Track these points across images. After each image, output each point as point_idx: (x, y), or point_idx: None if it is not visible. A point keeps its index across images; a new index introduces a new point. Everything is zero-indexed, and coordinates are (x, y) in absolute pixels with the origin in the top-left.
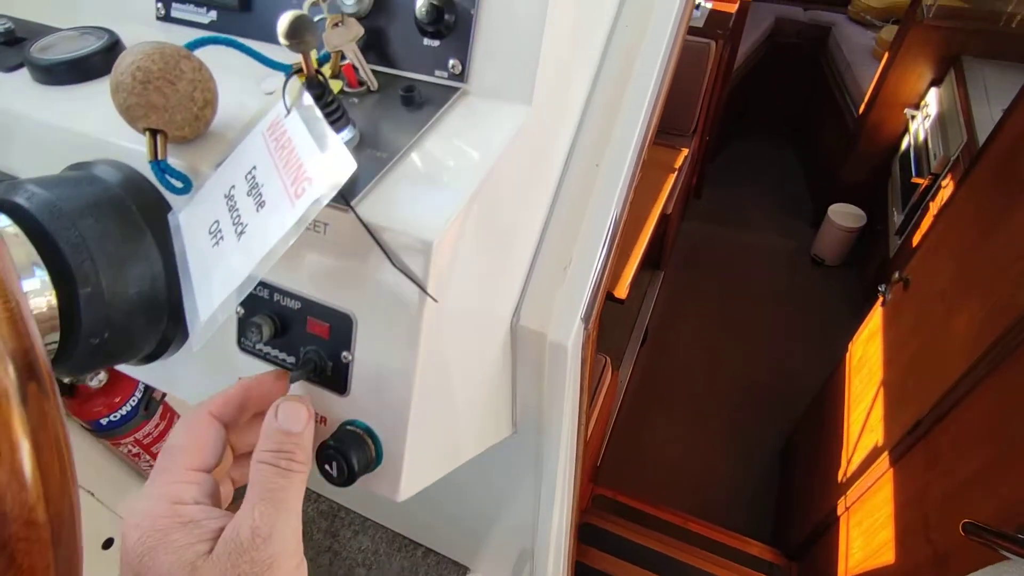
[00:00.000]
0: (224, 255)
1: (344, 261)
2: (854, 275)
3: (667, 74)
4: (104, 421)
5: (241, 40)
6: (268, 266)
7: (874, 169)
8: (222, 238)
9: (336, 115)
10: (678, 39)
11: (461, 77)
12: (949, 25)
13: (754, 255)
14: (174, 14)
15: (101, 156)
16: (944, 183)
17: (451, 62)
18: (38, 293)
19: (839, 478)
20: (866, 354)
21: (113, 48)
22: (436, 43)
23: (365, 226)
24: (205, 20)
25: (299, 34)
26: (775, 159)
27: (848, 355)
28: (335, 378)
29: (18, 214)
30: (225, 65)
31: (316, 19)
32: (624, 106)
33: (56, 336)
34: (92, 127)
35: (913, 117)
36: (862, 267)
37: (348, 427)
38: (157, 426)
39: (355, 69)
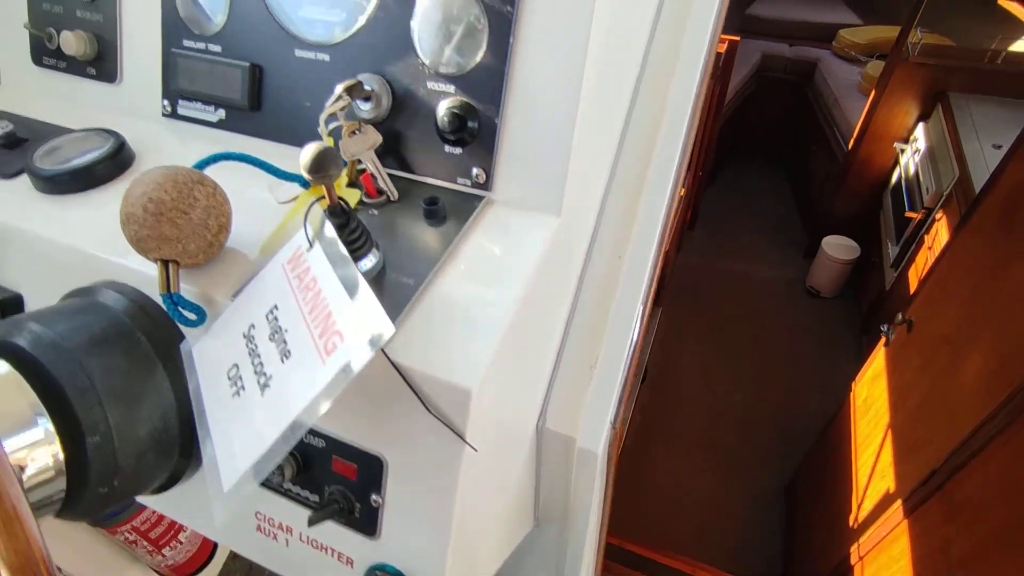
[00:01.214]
0: (246, 410)
1: (374, 401)
2: (850, 306)
3: (685, 158)
4: None
5: (252, 139)
6: (297, 438)
7: (865, 201)
8: (243, 388)
9: (360, 242)
10: (695, 124)
11: (485, 186)
12: (934, 62)
13: (751, 287)
14: (181, 111)
15: (106, 276)
16: (938, 217)
17: (475, 171)
18: (41, 444)
19: (850, 523)
20: (871, 395)
21: (119, 152)
22: (458, 150)
23: (399, 372)
24: (213, 118)
25: (323, 168)
26: (766, 190)
27: (852, 395)
28: (364, 520)
29: (19, 356)
30: (234, 170)
31: (331, 127)
32: (646, 195)
33: (62, 486)
34: (97, 245)
35: (902, 151)
36: (858, 299)
37: (378, 572)
38: (154, 513)
39: (374, 178)
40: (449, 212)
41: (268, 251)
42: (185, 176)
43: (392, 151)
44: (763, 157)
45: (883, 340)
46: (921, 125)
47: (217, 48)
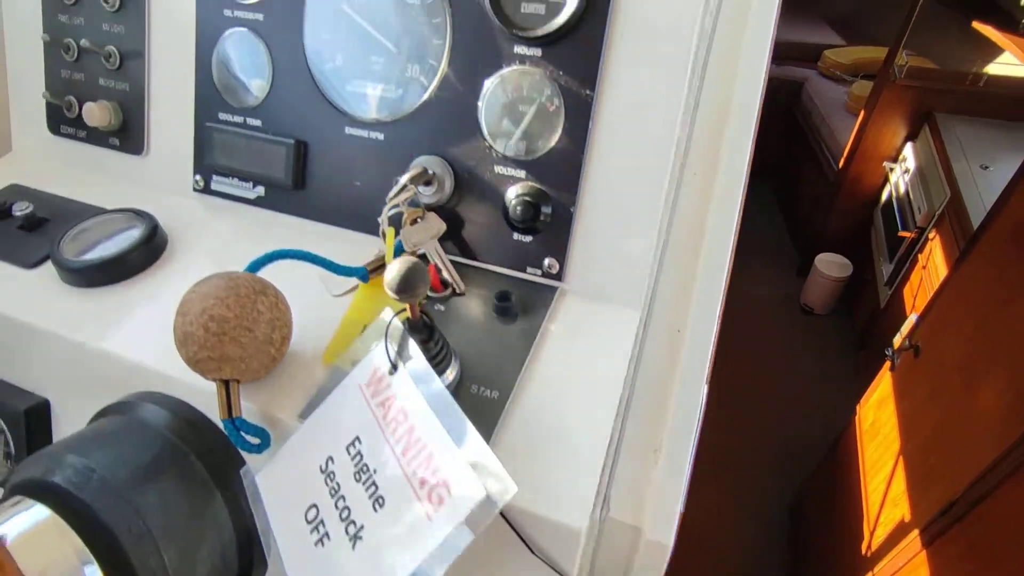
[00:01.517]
0: (334, 563)
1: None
2: (844, 323)
3: (739, 216)
4: None
5: (293, 218)
6: None
7: (856, 220)
8: (328, 536)
9: (441, 355)
10: (744, 187)
11: (558, 276)
12: (920, 84)
13: (745, 305)
14: (215, 187)
15: (144, 383)
16: (931, 236)
17: (547, 261)
18: None
19: (863, 550)
20: (879, 420)
21: (152, 238)
22: (528, 238)
23: (506, 519)
24: (251, 195)
25: (413, 288)
26: (757, 209)
27: (858, 418)
28: None
29: (61, 499)
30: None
31: (390, 212)
32: (703, 268)
33: None
34: (134, 350)
35: (892, 170)
36: (852, 316)
37: None
38: None
39: (438, 270)
40: (523, 309)
41: (333, 357)
42: (247, 287)
43: (453, 236)
44: (752, 176)
45: (888, 364)
46: (909, 145)
47: (257, 122)
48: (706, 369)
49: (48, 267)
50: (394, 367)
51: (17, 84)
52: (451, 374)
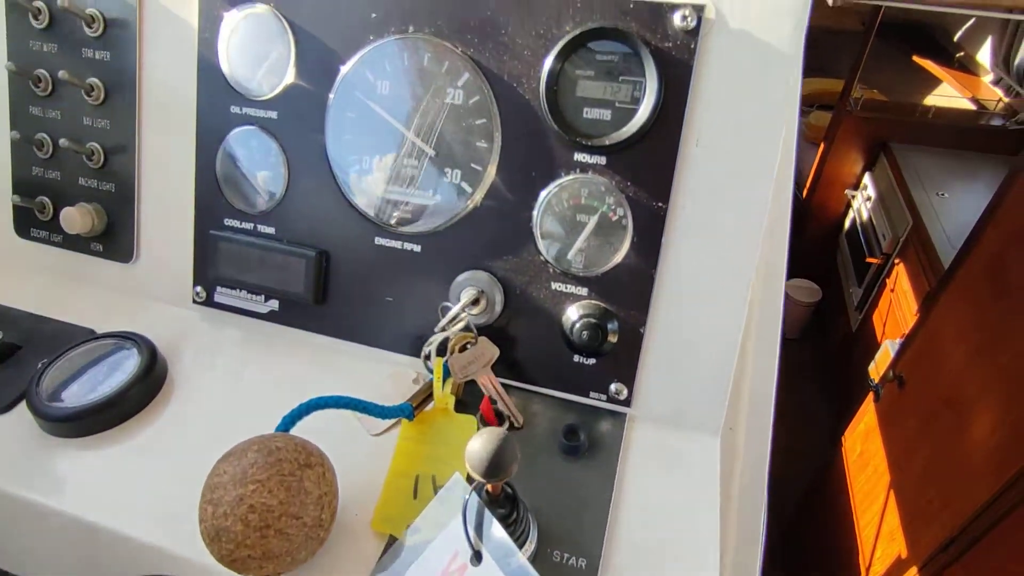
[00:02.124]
0: None
1: None
2: (816, 348)
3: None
4: None
5: (311, 334)
6: None
7: (822, 246)
8: None
9: (521, 528)
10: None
11: (626, 402)
12: (876, 116)
13: None
14: (219, 299)
15: (151, 565)
16: (897, 262)
17: (613, 386)
18: None
19: None
20: (867, 451)
21: (151, 370)
22: (591, 361)
23: None
24: (262, 309)
25: (504, 469)
26: None
27: (844, 449)
28: None
29: None
30: (299, 383)
31: (438, 339)
32: (753, 358)
33: None
34: (137, 524)
35: (853, 197)
36: (825, 340)
37: None
38: None
39: (493, 402)
40: (592, 445)
41: (385, 524)
42: (290, 460)
43: (503, 358)
44: None
45: (872, 395)
46: (868, 174)
47: (269, 229)
48: (766, 476)
49: (22, 411)
50: (477, 555)
51: None
52: (531, 544)
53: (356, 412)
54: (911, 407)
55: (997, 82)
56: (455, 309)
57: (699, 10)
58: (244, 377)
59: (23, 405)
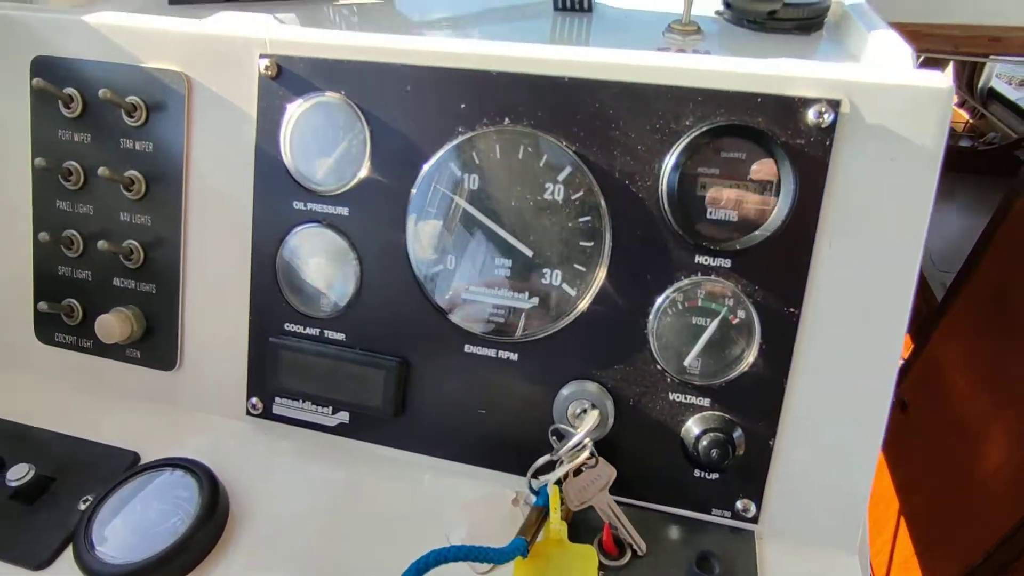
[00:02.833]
0: None
1: None
2: None
3: None
4: None
5: (385, 448)
6: None
7: None
8: None
9: None
10: None
11: (753, 519)
12: None
13: None
14: (278, 411)
15: None
16: None
17: (740, 503)
18: None
19: None
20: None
21: (213, 509)
22: (713, 476)
23: None
24: (330, 423)
25: None
26: None
27: None
28: None
29: None
30: (385, 520)
31: (545, 461)
32: None
33: None
34: None
35: None
36: None
37: None
38: None
39: (613, 528)
40: (725, 573)
41: None
42: None
43: (617, 476)
44: None
45: None
46: None
47: (338, 335)
48: None
49: (67, 562)
50: None
51: None
52: None
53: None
54: (916, 431)
55: (961, 104)
56: (578, 436)
57: (835, 105)
58: (319, 506)
59: (67, 555)
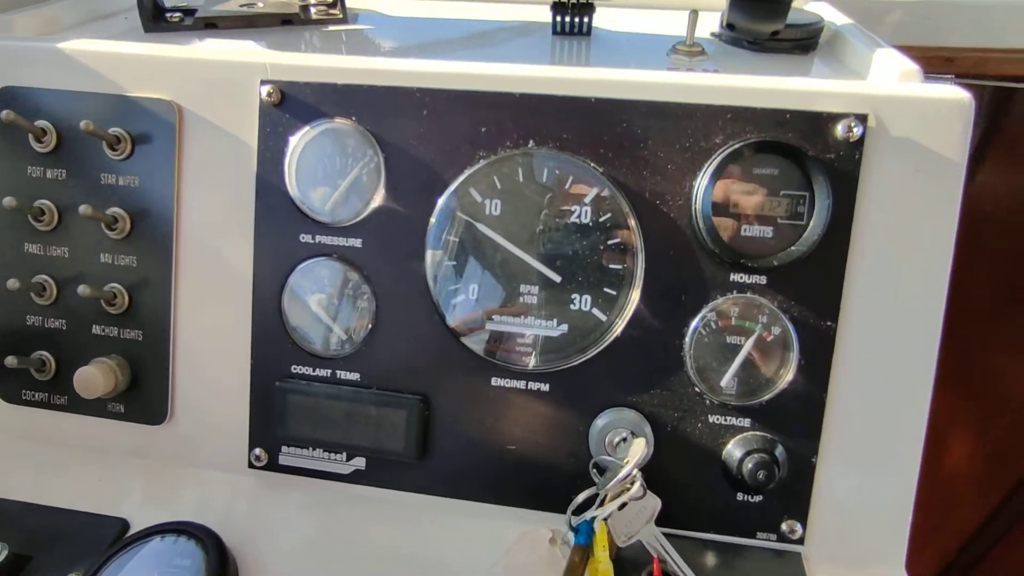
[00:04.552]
0: None
1: None
2: None
3: None
4: None
5: (404, 493)
6: None
7: None
8: None
9: None
10: None
11: (800, 540)
12: None
13: None
14: (285, 461)
15: None
16: None
17: (785, 524)
18: None
19: None
20: None
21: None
22: (756, 498)
23: None
24: (344, 470)
25: None
26: None
27: None
28: None
29: None
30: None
31: (584, 496)
32: None
33: None
34: None
35: None
36: None
37: None
38: None
39: (662, 563)
40: None
41: None
42: None
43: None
44: None
45: None
46: None
47: (351, 375)
48: None
49: None
50: None
51: None
52: None
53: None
54: None
55: None
56: (628, 468)
57: (863, 119)
58: (339, 565)
59: None
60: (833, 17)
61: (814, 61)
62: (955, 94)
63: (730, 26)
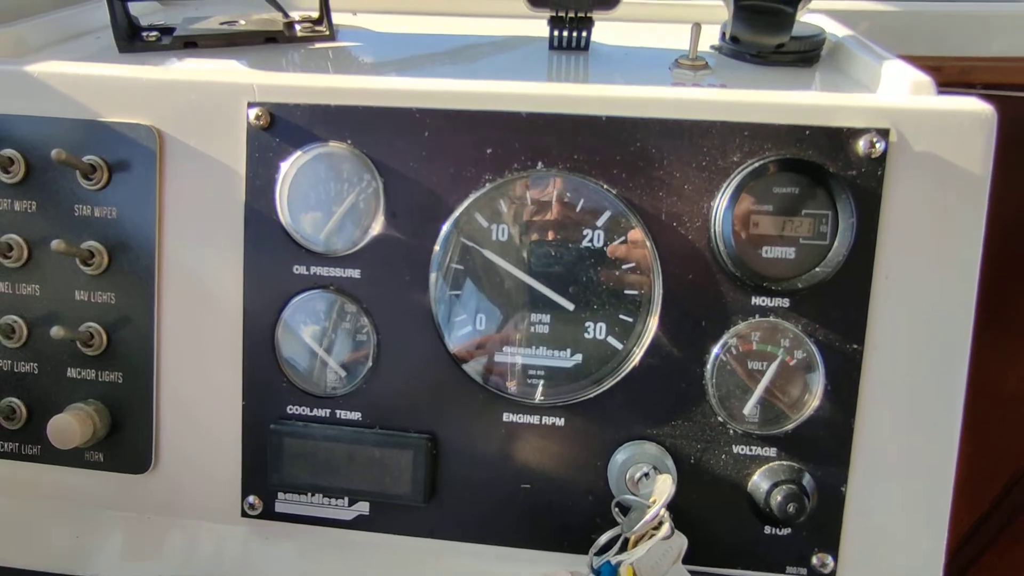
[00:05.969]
0: None
1: None
2: None
3: None
4: None
5: (409, 539)
6: None
7: None
8: None
9: None
10: None
11: (831, 574)
12: None
13: None
14: (282, 509)
15: None
16: None
17: (815, 558)
18: None
19: None
20: None
21: None
22: (784, 531)
23: None
24: (346, 516)
25: None
26: None
27: None
28: None
29: None
30: None
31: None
32: None
33: None
34: None
35: None
36: None
37: None
38: None
39: None
40: None
41: None
42: None
43: None
44: None
45: None
46: None
47: (352, 415)
48: None
49: None
50: None
51: None
52: None
53: None
54: None
55: None
56: (656, 509)
57: (884, 134)
58: None
59: None
60: (832, 29)
61: (818, 74)
62: (977, 106)
63: (733, 39)
